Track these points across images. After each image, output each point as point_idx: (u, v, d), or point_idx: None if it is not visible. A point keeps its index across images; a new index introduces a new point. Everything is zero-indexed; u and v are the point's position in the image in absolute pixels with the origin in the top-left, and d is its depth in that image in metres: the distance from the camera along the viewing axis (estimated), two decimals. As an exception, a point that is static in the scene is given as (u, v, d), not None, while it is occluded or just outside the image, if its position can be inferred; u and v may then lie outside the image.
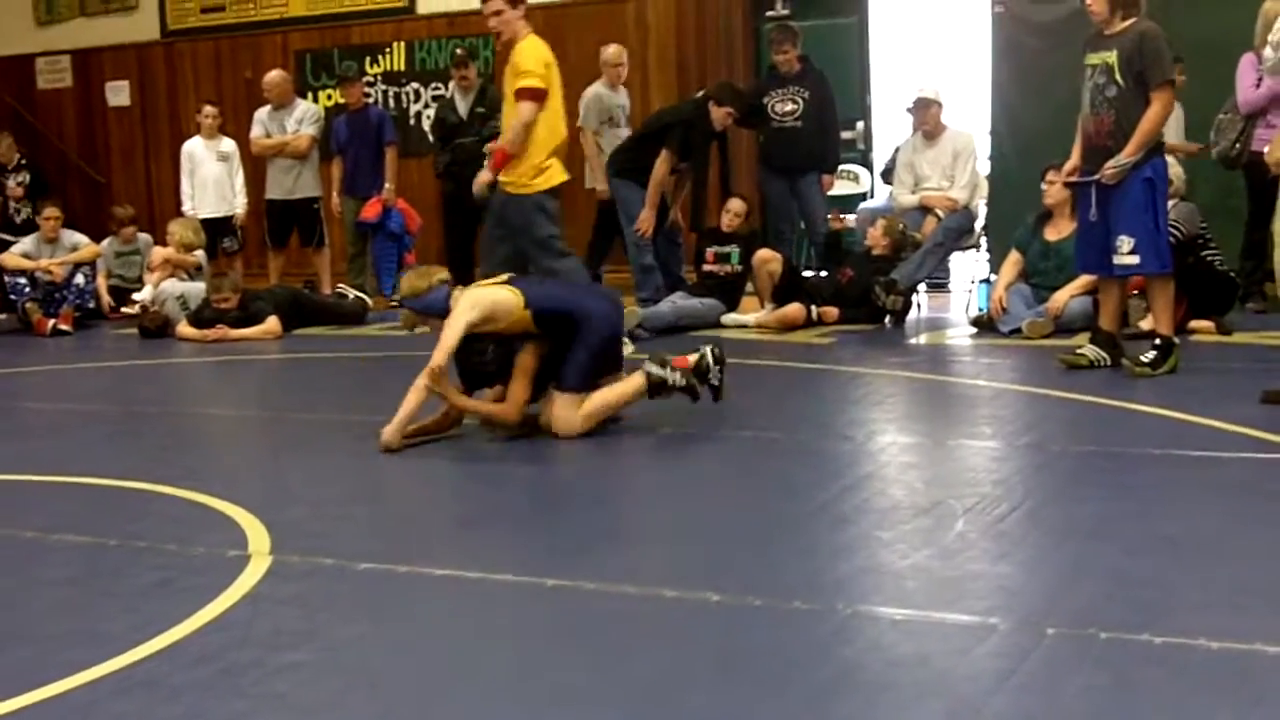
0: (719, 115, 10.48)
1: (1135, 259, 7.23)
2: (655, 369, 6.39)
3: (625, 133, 11.27)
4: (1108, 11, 7.29)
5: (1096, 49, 7.37)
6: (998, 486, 5.16)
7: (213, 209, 12.54)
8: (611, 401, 6.42)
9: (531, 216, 8.20)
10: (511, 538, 5.02)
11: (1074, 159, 7.54)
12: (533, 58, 7.98)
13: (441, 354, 6.26)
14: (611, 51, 11.64)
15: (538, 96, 7.97)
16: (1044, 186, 9.09)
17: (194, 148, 12.62)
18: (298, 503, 5.43)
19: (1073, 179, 7.56)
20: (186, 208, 12.52)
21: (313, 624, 3.96)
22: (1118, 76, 7.21)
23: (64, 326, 11.49)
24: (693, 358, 6.56)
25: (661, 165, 10.38)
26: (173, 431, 7.24)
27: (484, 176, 8.41)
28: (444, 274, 6.71)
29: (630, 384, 6.43)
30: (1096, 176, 7.27)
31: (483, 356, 6.36)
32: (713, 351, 6.62)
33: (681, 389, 6.40)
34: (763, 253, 10.21)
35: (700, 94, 10.88)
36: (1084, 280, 8.62)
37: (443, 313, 6.47)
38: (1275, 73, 6.67)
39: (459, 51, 12.81)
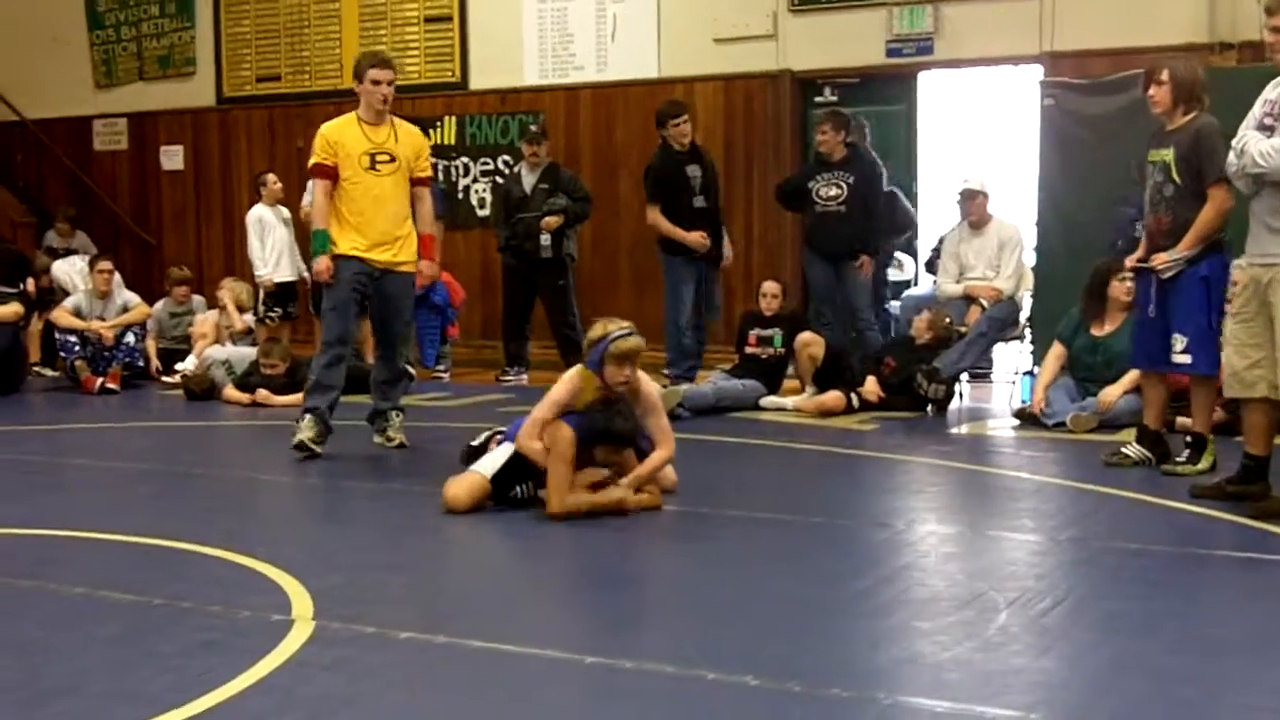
0: (675, 133, 10.86)
1: (1188, 358, 7.17)
2: None
3: None
4: (1170, 104, 7.20)
5: (1158, 146, 7.28)
6: (1039, 581, 5.16)
7: (287, 274, 12.57)
8: None
9: None
10: (550, 612, 5.06)
11: (1140, 249, 7.51)
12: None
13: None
14: None
15: None
16: (1128, 285, 8.84)
17: (263, 213, 12.59)
18: (340, 569, 5.46)
19: (1135, 265, 7.52)
20: (262, 273, 12.42)
21: (354, 691, 3.99)
22: (1174, 175, 7.12)
23: (111, 385, 11.56)
24: None
25: (650, 214, 10.92)
26: (218, 494, 7.29)
27: None
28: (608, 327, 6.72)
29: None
30: (1149, 265, 7.25)
31: (626, 420, 6.45)
32: None
33: None
34: (805, 335, 10.24)
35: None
36: (1134, 376, 8.58)
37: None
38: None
39: (532, 128, 12.95)
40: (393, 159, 8.18)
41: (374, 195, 8.14)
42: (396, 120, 8.32)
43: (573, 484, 6.34)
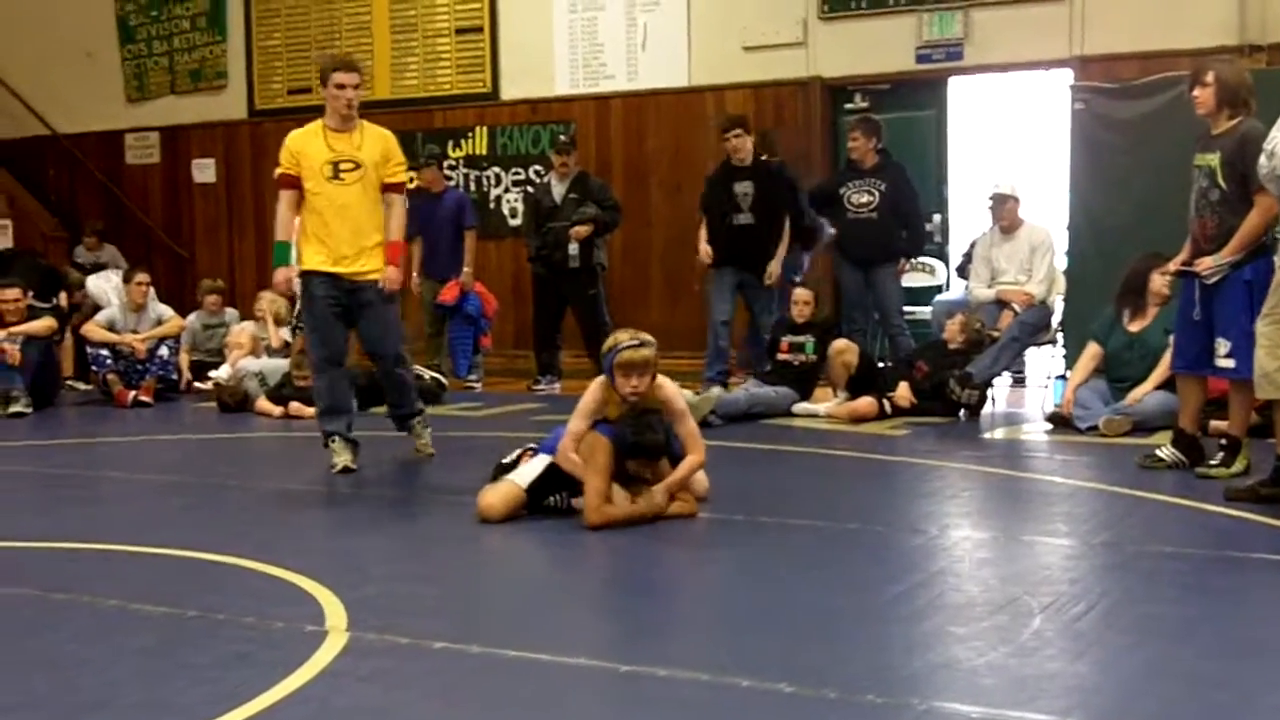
0: (728, 148, 11.12)
1: (1231, 362, 7.09)
2: None
3: None
4: (1214, 106, 7.12)
5: (1204, 150, 7.21)
6: (1074, 585, 5.13)
7: None
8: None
9: None
10: (584, 621, 5.05)
11: (1184, 253, 7.45)
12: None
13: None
14: None
15: None
16: (1170, 279, 8.84)
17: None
18: (373, 579, 5.47)
19: (1180, 268, 7.46)
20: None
21: (388, 701, 3.99)
22: (1220, 180, 7.06)
23: (144, 398, 11.60)
24: None
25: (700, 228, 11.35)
26: (251, 506, 7.30)
27: None
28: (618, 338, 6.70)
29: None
30: (1195, 270, 7.20)
31: (655, 433, 6.45)
32: None
33: None
34: (839, 343, 10.23)
35: None
36: (1162, 371, 8.57)
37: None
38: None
39: (562, 139, 12.99)
40: (357, 166, 7.81)
41: (338, 206, 7.81)
42: (365, 125, 7.97)
43: (609, 494, 6.36)
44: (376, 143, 7.95)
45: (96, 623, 4.89)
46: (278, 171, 7.98)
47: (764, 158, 11.21)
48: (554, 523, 6.39)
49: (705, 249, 11.06)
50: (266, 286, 13.47)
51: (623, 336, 6.62)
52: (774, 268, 11.00)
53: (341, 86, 7.81)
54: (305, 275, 7.92)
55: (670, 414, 6.61)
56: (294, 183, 7.88)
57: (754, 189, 10.99)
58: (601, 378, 6.70)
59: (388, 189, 7.96)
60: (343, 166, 7.81)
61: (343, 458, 7.96)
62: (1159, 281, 8.89)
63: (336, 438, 8.03)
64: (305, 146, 7.88)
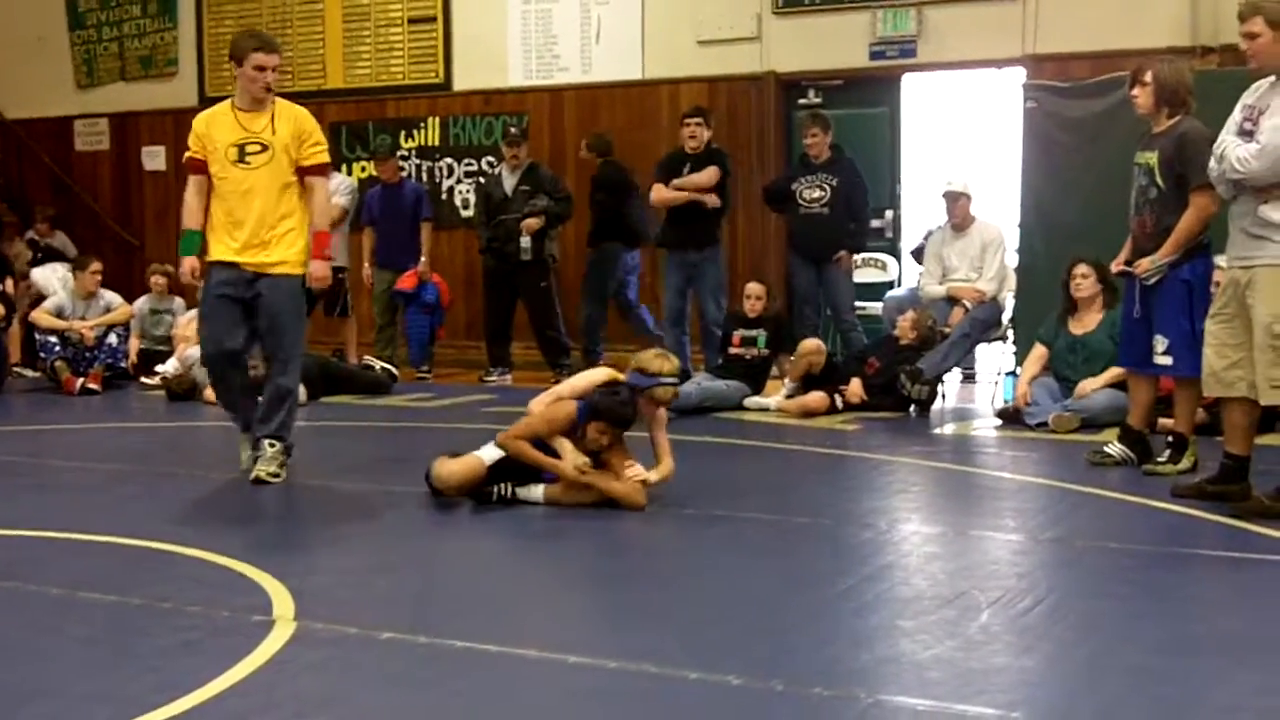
0: (683, 134, 11.35)
1: (1169, 360, 7.18)
2: None
3: None
4: (1153, 106, 7.20)
5: (1145, 149, 7.28)
6: (1021, 580, 5.16)
7: None
8: None
9: None
10: (533, 612, 5.04)
11: (1125, 251, 7.52)
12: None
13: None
14: None
15: None
16: (1078, 281, 9.05)
17: None
18: (322, 570, 5.46)
19: (1120, 268, 7.53)
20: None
21: (335, 691, 3.97)
22: (1158, 179, 7.13)
23: (92, 386, 11.52)
24: None
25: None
26: (198, 494, 7.26)
27: None
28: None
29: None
30: (1132, 270, 7.27)
31: (621, 402, 6.52)
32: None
33: None
34: (810, 343, 10.23)
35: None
36: (1114, 372, 8.66)
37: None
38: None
39: (512, 130, 12.95)
40: (265, 148, 7.22)
41: (243, 191, 7.25)
42: (280, 104, 7.36)
43: (562, 446, 6.48)
44: (289, 123, 7.32)
45: (42, 611, 4.85)
46: (185, 156, 7.50)
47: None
48: (506, 515, 6.39)
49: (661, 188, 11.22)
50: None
51: (666, 366, 6.70)
52: (684, 182, 11.19)
53: (261, 69, 7.21)
54: (209, 265, 7.43)
55: (652, 423, 6.78)
56: (201, 167, 7.38)
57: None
58: (610, 370, 6.80)
59: (306, 172, 7.39)
60: (249, 149, 7.25)
61: (244, 454, 7.63)
62: (1077, 283, 9.02)
63: (242, 432, 7.67)
64: (211, 128, 7.34)
